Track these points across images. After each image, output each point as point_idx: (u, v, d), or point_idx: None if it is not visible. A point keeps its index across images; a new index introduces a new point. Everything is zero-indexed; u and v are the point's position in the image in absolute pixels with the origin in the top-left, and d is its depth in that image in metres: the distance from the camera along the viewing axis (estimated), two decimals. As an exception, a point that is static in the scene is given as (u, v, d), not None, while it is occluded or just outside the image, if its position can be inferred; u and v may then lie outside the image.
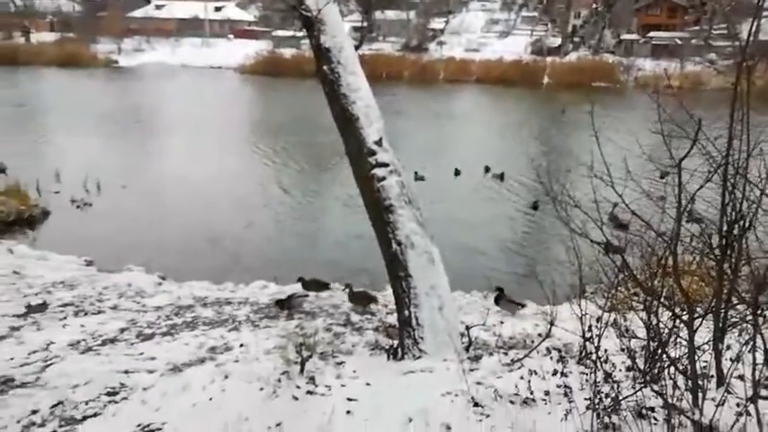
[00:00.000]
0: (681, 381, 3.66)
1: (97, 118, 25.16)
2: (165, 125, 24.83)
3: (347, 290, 7.53)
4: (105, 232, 10.91)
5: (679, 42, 50.01)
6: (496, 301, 7.44)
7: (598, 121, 4.14)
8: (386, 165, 5.83)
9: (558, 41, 57.21)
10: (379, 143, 5.86)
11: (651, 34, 55.82)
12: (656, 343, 4.18)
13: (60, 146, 18.82)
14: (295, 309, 7.24)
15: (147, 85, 41.25)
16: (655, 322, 4.23)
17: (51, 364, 5.50)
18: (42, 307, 7.02)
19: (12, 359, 5.63)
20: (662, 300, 4.00)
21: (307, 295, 7.66)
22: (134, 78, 45.05)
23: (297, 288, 7.85)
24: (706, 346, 3.69)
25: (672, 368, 3.84)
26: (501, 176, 15.92)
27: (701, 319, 3.57)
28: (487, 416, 3.86)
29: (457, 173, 16.36)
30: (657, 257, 4.41)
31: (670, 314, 4.16)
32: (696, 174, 3.65)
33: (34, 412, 4.55)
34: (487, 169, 16.46)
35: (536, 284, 7.85)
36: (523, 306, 7.41)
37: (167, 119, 26.72)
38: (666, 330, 4.13)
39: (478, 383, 4.44)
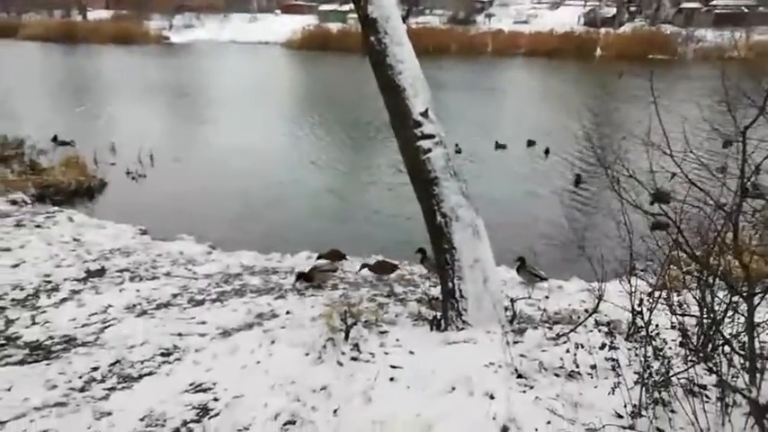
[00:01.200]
0: (736, 360, 3.53)
1: (151, 93, 25.91)
2: (215, 100, 25.33)
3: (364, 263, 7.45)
4: (158, 203, 11.31)
5: (745, 10, 47.01)
6: (518, 271, 7.39)
7: (655, 92, 3.96)
8: (432, 136, 5.76)
9: (612, 12, 54.76)
10: (425, 114, 5.79)
11: (714, 2, 52.65)
12: (710, 320, 4.05)
13: (117, 120, 19.50)
14: (320, 283, 7.00)
15: (197, 61, 42.06)
16: (710, 299, 4.08)
17: (109, 326, 5.80)
18: (101, 272, 7.38)
19: (74, 320, 5.96)
20: (719, 275, 3.84)
21: (335, 269, 7.37)
22: (185, 54, 45.98)
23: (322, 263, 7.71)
24: (766, 325, 3.53)
25: (726, 346, 3.71)
26: (546, 151, 15.58)
27: (760, 297, 3.41)
28: (531, 387, 3.84)
29: (498, 146, 16.12)
30: (715, 232, 4.23)
31: (726, 291, 4.00)
32: (762, 145, 3.47)
33: (95, 369, 4.82)
34: (531, 143, 16.12)
35: (582, 260, 7.71)
36: (544, 279, 7.26)
37: (217, 94, 27.23)
38: (722, 308, 3.99)
39: (522, 356, 4.41)
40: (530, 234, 9.86)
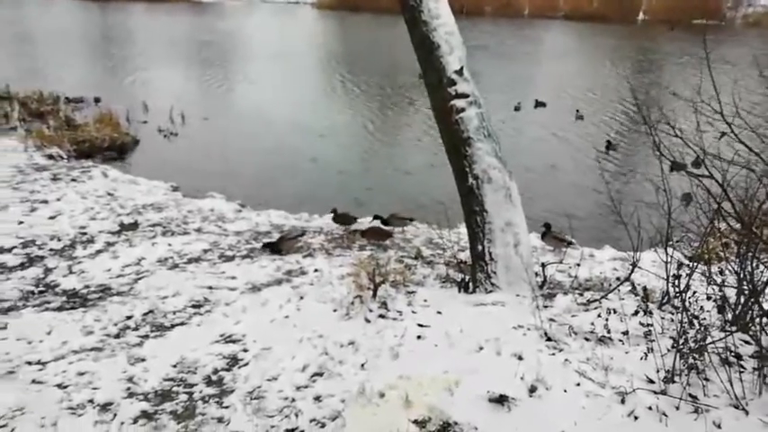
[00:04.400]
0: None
1: (182, 52, 25.95)
2: (246, 59, 25.24)
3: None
4: (189, 160, 11.41)
5: (801, -27, 44.29)
6: (542, 237, 7.31)
7: (702, 57, 3.74)
8: (466, 96, 5.62)
9: (657, -27, 52.18)
10: (459, 72, 5.64)
11: (768, -36, 49.68)
12: (748, 291, 3.92)
13: (148, 78, 19.62)
14: (288, 252, 6.76)
15: (227, 20, 41.82)
16: (749, 270, 3.95)
17: (143, 277, 5.93)
18: (134, 226, 7.52)
19: (108, 270, 6.12)
20: (760, 245, 3.69)
21: (301, 234, 7.19)
22: (214, 14, 45.75)
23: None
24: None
25: (765, 318, 3.59)
26: (580, 116, 15.19)
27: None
28: (561, 350, 3.80)
29: (517, 108, 15.95)
30: (759, 201, 4.06)
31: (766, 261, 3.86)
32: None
33: (129, 317, 4.95)
34: (577, 113, 15.71)
35: (615, 229, 7.54)
36: (570, 243, 7.13)
37: (248, 53, 27.13)
38: (762, 279, 3.86)
39: (552, 320, 4.36)
40: (561, 201, 9.67)
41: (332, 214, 7.72)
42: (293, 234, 7.08)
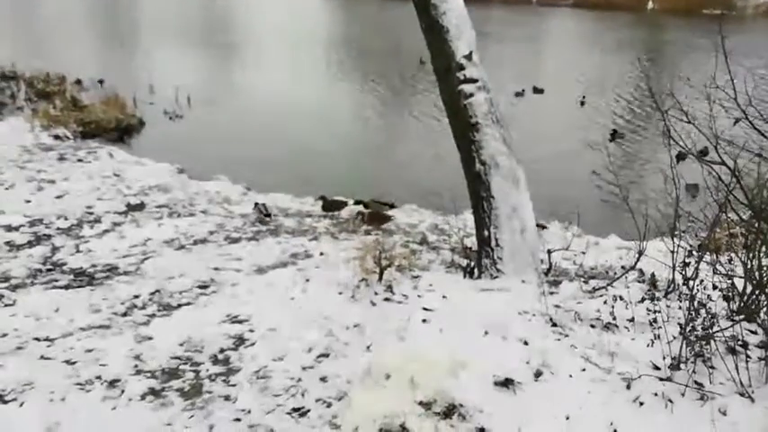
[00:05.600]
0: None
1: (187, 34, 25.79)
2: (251, 43, 25.09)
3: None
4: (195, 143, 11.40)
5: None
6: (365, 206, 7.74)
7: (711, 47, 3.69)
8: (474, 80, 5.57)
9: (668, -39, 51.43)
10: (469, 57, 5.59)
11: (782, -47, 48.88)
12: (756, 280, 3.91)
13: (154, 60, 19.52)
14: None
15: (235, 2, 41.46)
16: (757, 259, 3.94)
17: (149, 258, 5.95)
18: (140, 207, 7.54)
19: (115, 250, 6.14)
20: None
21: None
22: (221, -3, 45.34)
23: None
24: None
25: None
26: (582, 102, 15.16)
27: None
28: (566, 336, 3.81)
29: (519, 94, 15.88)
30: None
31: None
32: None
33: (136, 297, 4.97)
34: (579, 99, 15.63)
35: (621, 217, 7.51)
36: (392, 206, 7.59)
37: (252, 37, 26.96)
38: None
39: (557, 306, 4.37)
40: (569, 188, 9.64)
41: (321, 201, 7.84)
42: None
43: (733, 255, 4.05)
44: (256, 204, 7.49)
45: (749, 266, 3.94)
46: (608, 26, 33.99)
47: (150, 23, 29.06)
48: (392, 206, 7.86)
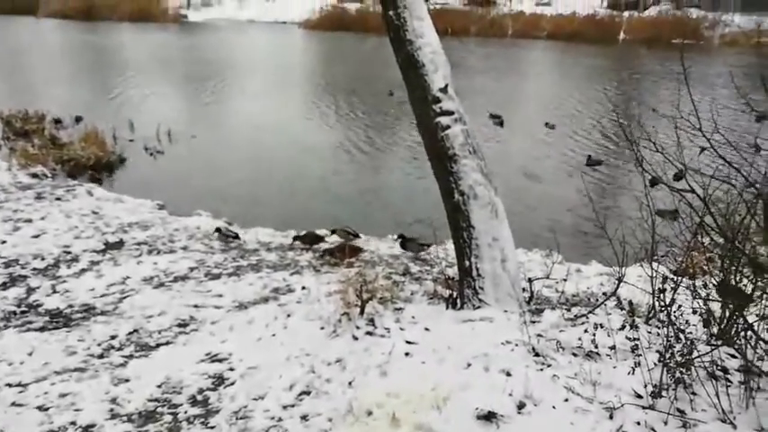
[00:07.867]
0: (760, 345, 3.46)
1: (169, 71, 25.94)
2: (233, 79, 25.28)
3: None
4: (176, 179, 11.35)
5: (776, -6, 45.52)
6: (403, 246, 7.57)
7: (679, 75, 3.82)
8: (451, 113, 5.68)
9: (637, -5, 53.41)
10: (444, 90, 5.70)
11: (743, -14, 51.08)
12: (732, 305, 3.96)
13: (135, 97, 19.56)
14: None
15: (216, 40, 41.93)
16: (733, 283, 4.00)
17: (128, 296, 5.86)
18: (119, 244, 7.45)
19: (93, 290, 6.04)
20: (746, 255, 3.73)
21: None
22: (203, 33, 45.86)
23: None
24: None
25: (749, 332, 3.63)
26: (552, 126, 15.46)
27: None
28: (549, 365, 3.80)
29: (496, 123, 15.97)
30: (740, 216, 4.12)
31: (751, 276, 3.91)
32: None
33: (113, 337, 4.88)
34: (548, 125, 15.90)
35: (601, 243, 7.59)
36: (428, 245, 7.35)
37: (236, 73, 27.18)
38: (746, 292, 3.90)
39: (539, 335, 4.37)
40: (547, 216, 9.75)
41: (295, 235, 7.84)
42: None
43: (708, 279, 4.10)
44: (218, 229, 7.57)
45: (725, 290, 3.99)
46: (579, 56, 35.00)
47: (131, 61, 29.19)
48: (356, 235, 7.96)
